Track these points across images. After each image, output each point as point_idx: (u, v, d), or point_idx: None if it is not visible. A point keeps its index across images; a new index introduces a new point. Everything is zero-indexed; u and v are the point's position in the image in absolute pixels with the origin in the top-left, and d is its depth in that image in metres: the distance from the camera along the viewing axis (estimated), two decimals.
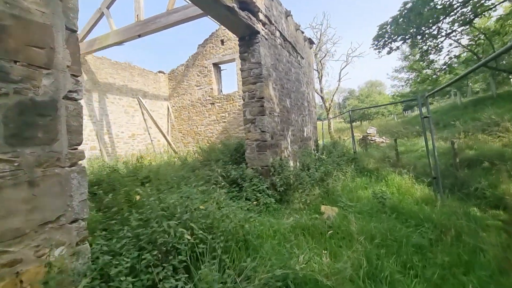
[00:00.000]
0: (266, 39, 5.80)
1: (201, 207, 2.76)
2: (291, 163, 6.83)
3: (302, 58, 8.90)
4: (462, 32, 9.36)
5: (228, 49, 12.29)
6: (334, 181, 6.10)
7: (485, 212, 4.89)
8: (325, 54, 19.10)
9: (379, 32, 10.26)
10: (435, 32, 8.93)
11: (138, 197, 3.23)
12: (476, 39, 9.41)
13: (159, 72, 13.82)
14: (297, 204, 5.05)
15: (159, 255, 2.22)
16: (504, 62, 13.13)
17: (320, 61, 18.91)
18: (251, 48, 5.52)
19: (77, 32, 1.97)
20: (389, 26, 9.69)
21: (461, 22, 8.32)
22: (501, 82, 18.28)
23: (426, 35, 9.01)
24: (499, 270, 2.42)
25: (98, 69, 10.46)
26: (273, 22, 6.21)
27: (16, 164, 1.56)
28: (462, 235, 3.17)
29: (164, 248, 2.27)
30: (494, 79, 16.29)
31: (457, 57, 9.67)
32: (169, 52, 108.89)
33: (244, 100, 5.65)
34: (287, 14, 7.41)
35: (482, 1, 7.98)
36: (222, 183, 5.38)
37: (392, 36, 9.59)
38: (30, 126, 1.65)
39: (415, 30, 8.69)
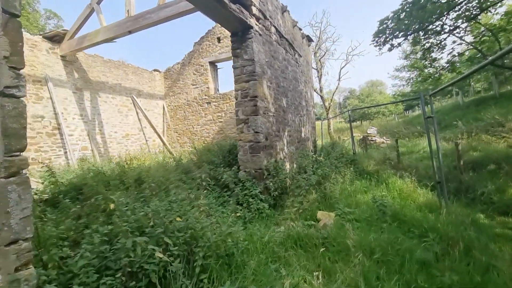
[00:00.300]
0: (260, 34, 5.48)
1: (178, 219, 2.44)
2: (287, 165, 6.52)
3: (300, 56, 8.58)
4: (467, 29, 8.98)
5: (224, 47, 11.97)
6: (332, 185, 5.79)
7: (492, 219, 4.59)
8: (325, 53, 18.78)
9: (380, 28, 9.83)
10: (438, 28, 8.55)
11: (112, 206, 2.92)
12: (480, 36, 9.05)
13: (155, 70, 13.50)
14: (292, 210, 4.73)
15: (122, 278, 1.91)
16: (507, 60, 12.79)
17: (320, 60, 18.56)
18: (243, 44, 5.20)
19: (19, 17, 1.66)
20: (390, 21, 9.27)
21: (465, 18, 7.95)
22: (503, 81, 17.93)
23: (429, 32, 8.62)
24: None
25: (90, 67, 10.15)
26: (268, 17, 5.89)
27: None
28: (471, 249, 2.86)
29: (129, 269, 1.96)
30: (496, 78, 15.93)
31: (461, 55, 9.30)
32: (166, 50, 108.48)
33: (236, 99, 5.34)
34: (284, 10, 7.09)
35: None
36: (212, 187, 5.10)
37: (393, 32, 9.18)
38: None
39: (417, 26, 8.31)
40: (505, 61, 12.87)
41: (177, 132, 13.44)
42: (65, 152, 8.96)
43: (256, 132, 5.14)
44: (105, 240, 2.16)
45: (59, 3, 49.62)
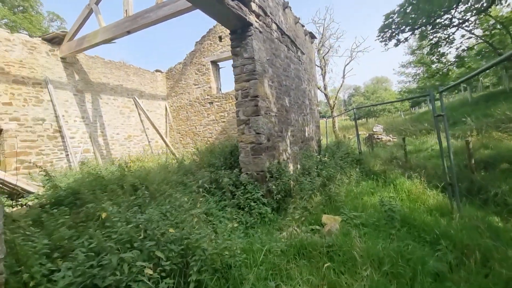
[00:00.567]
0: (260, 32, 5.29)
1: (171, 230, 2.28)
2: (291, 167, 6.33)
3: (303, 53, 8.35)
4: (476, 22, 8.59)
5: (226, 45, 11.79)
6: (337, 186, 5.59)
7: (507, 222, 4.34)
8: (328, 50, 18.43)
9: (385, 22, 9.45)
10: (446, 22, 8.18)
11: (104, 215, 2.78)
12: (491, 29, 8.65)
13: (156, 71, 13.40)
14: (296, 214, 4.54)
15: None
16: None
17: (323, 57, 18.24)
18: (243, 42, 5.01)
19: None
20: (396, 15, 8.90)
21: (475, 10, 7.60)
22: None
23: (437, 26, 8.26)
24: None
25: (91, 69, 10.07)
26: (268, 13, 5.69)
27: None
28: (489, 259, 2.64)
29: None
30: (506, 72, 15.44)
31: (470, 49, 8.91)
32: (166, 50, 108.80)
33: (237, 99, 5.16)
34: (285, 6, 6.88)
35: None
36: (213, 191, 4.94)
37: (399, 26, 8.82)
38: None
39: (424, 19, 7.96)
40: None
41: (180, 133, 13.33)
42: (67, 155, 8.91)
43: (258, 133, 4.96)
44: (92, 255, 2.00)
45: (62, 5, 49.98)
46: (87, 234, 2.52)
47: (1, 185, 6.57)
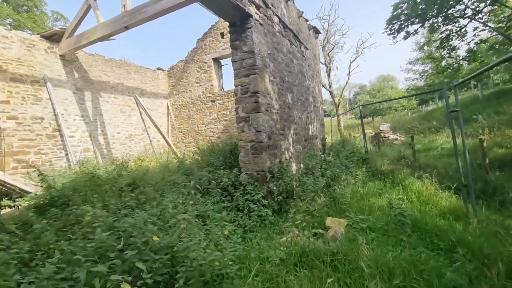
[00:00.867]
0: (261, 24, 5.03)
1: (155, 238, 2.04)
2: (294, 166, 6.06)
3: (307, 48, 8.06)
4: (490, 14, 8.11)
5: (228, 42, 11.48)
6: (342, 187, 5.30)
7: None
8: (333, 46, 18.02)
9: (394, 13, 8.95)
10: (458, 14, 7.70)
11: (87, 218, 2.55)
12: (507, 20, 8.13)
13: (158, 69, 13.22)
14: (298, 216, 4.27)
15: None
16: None
17: (328, 54, 17.84)
18: (242, 35, 4.76)
19: None
20: (405, 4, 8.44)
21: (490, 0, 7.13)
22: None
23: (449, 17, 7.79)
24: None
25: (91, 67, 9.92)
26: (269, 5, 5.42)
27: None
28: None
29: None
30: None
31: (484, 41, 8.42)
32: (165, 47, 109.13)
33: (236, 96, 4.91)
34: None
35: None
36: (212, 191, 4.70)
37: (409, 17, 8.36)
38: None
39: (435, 10, 7.50)
40: None
41: (181, 132, 13.14)
42: (66, 154, 8.77)
43: (258, 131, 4.70)
44: (62, 269, 1.77)
45: (66, 4, 50.23)
46: (67, 241, 2.30)
47: None
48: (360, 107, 8.99)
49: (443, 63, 9.66)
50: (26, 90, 7.98)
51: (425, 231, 3.44)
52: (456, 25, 8.30)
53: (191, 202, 3.13)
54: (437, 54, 11.05)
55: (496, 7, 7.35)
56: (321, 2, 55.41)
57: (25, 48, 8.04)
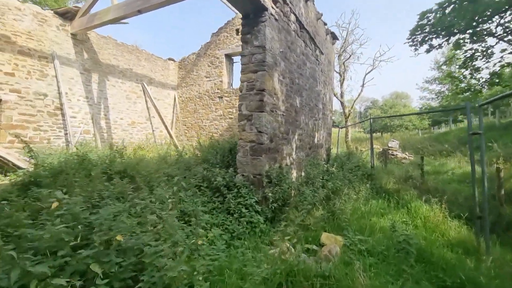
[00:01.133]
0: (276, 20, 4.74)
1: (118, 238, 1.76)
2: (294, 173, 5.74)
3: (322, 53, 7.75)
4: None
5: None
6: (343, 201, 4.96)
7: None
8: (350, 56, 17.60)
9: (419, 23, 8.39)
10: (491, 28, 7.10)
11: (54, 205, 2.29)
12: None
13: (169, 59, 13.06)
14: (292, 228, 3.94)
15: None
16: None
17: (344, 63, 17.46)
18: (255, 29, 4.48)
19: None
20: (433, 14, 7.95)
21: None
22: None
23: (476, 34, 7.29)
24: None
25: (101, 49, 9.79)
26: (287, 1, 5.14)
27: None
28: None
29: None
30: None
31: (510, 65, 7.90)
32: (185, 41, 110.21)
33: (241, 92, 4.63)
34: None
35: None
36: (203, 190, 4.42)
37: (436, 29, 7.85)
38: None
39: (464, 24, 7.00)
40: None
41: (185, 125, 12.93)
42: (66, 134, 8.62)
43: (260, 132, 4.40)
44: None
45: None
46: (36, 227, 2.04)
47: None
48: (371, 120, 8.62)
49: (465, 82, 9.20)
50: (33, 65, 7.85)
51: (429, 263, 3.09)
52: (483, 44, 7.83)
53: (172, 200, 2.84)
54: (457, 73, 10.55)
55: None
56: (342, 10, 54.77)
57: (37, 22, 7.92)
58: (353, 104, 19.59)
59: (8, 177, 6.28)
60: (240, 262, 2.62)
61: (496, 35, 7.24)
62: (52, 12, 8.31)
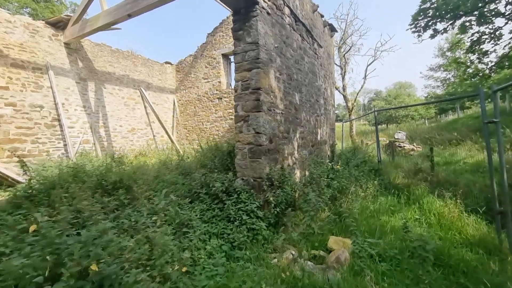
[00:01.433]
0: (268, 13, 4.50)
1: (93, 267, 1.55)
2: (298, 173, 5.50)
3: (320, 46, 7.46)
4: None
5: None
6: (350, 201, 4.70)
7: None
8: (350, 48, 17.19)
9: (422, 7, 8.06)
10: (499, 8, 6.70)
11: (32, 228, 2.10)
12: None
13: (166, 63, 12.90)
14: (297, 233, 3.71)
15: None
16: None
17: (344, 56, 17.07)
18: (246, 24, 4.24)
19: None
20: None
21: None
22: None
23: (484, 15, 6.88)
24: None
25: (96, 57, 9.66)
26: None
27: None
28: None
29: None
30: None
31: None
32: (182, 44, 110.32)
33: (236, 92, 4.40)
34: None
35: None
36: (202, 197, 4.21)
37: (440, 12, 7.45)
38: None
39: (470, 5, 6.60)
40: None
41: (186, 129, 12.77)
42: (65, 145, 8.51)
43: (258, 133, 4.17)
44: None
45: None
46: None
47: None
48: (376, 112, 8.30)
49: (472, 68, 8.79)
50: (27, 77, 7.75)
51: (448, 266, 2.82)
52: (490, 26, 7.42)
53: (159, 216, 2.62)
54: (464, 59, 10.10)
55: None
56: (339, 0, 53.78)
57: (29, 33, 7.81)
58: (356, 97, 19.18)
59: (7, 193, 6.17)
60: (239, 278, 2.40)
61: (505, 15, 6.84)
62: (43, 22, 8.19)
